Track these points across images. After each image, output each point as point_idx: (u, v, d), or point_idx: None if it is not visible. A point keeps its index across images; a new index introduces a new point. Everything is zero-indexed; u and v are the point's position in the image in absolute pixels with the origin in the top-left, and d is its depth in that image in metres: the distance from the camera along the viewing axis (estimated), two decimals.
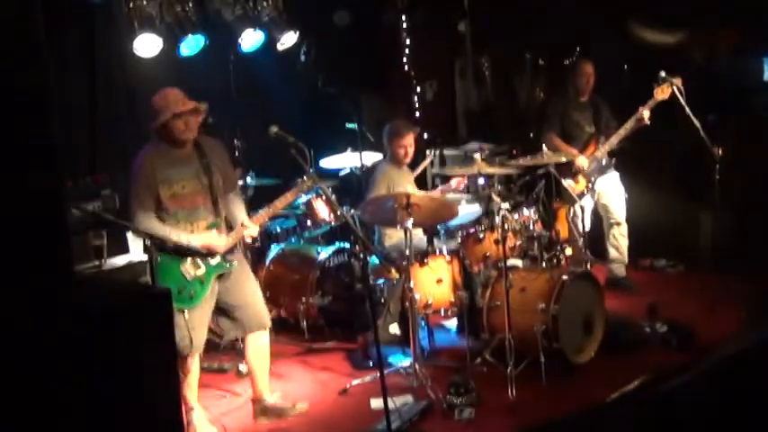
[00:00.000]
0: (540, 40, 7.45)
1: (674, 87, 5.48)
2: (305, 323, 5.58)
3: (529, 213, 5.32)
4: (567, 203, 5.89)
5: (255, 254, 5.81)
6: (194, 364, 4.29)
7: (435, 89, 8.07)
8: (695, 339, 4.92)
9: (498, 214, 4.83)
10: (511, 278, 4.71)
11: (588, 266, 5.49)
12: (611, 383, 4.00)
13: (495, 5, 7.53)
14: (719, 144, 5.42)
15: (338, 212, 5.20)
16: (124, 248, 5.00)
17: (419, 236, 5.53)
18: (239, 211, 4.48)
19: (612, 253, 6.15)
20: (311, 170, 4.41)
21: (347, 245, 5.81)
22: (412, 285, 4.71)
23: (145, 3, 5.28)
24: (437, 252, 5.14)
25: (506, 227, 4.85)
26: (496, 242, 4.97)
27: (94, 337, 2.21)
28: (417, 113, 7.83)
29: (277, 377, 4.93)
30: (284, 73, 6.38)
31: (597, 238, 6.16)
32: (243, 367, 5.01)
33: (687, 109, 5.39)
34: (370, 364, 4.98)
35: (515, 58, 7.83)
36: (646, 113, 5.63)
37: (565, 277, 4.77)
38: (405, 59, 7.79)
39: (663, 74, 5.55)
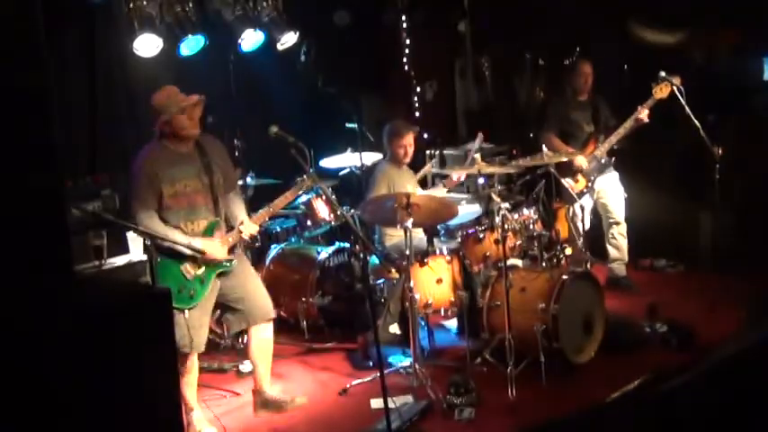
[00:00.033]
0: (540, 40, 7.45)
1: (674, 87, 5.48)
2: (305, 323, 5.58)
3: (529, 213, 5.32)
4: (567, 203, 5.89)
5: (255, 254, 5.81)
6: (194, 364, 4.30)
7: (435, 89, 8.07)
8: (695, 339, 4.92)
9: (498, 214, 4.83)
10: (511, 278, 4.71)
11: (588, 266, 5.49)
12: (611, 383, 4.02)
13: (495, 5, 7.53)
14: (719, 144, 5.42)
15: (338, 212, 5.20)
16: (124, 248, 4.99)
17: (419, 236, 5.54)
18: (239, 210, 4.49)
19: (612, 253, 6.14)
20: (311, 170, 4.42)
21: (347, 245, 5.80)
22: (412, 285, 4.71)
23: (145, 3, 5.28)
24: (437, 252, 5.13)
25: (506, 227, 4.85)
26: (496, 242, 4.97)
27: (94, 337, 2.21)
28: (417, 113, 7.83)
29: (277, 377, 4.93)
30: (284, 73, 6.37)
31: (597, 237, 6.16)
32: (243, 367, 5.02)
33: (687, 109, 5.39)
34: (370, 364, 4.98)
35: (515, 58, 7.83)
36: (644, 113, 5.64)
37: (565, 277, 4.77)
38: (405, 59, 7.79)
39: (662, 74, 5.55)
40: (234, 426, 4.43)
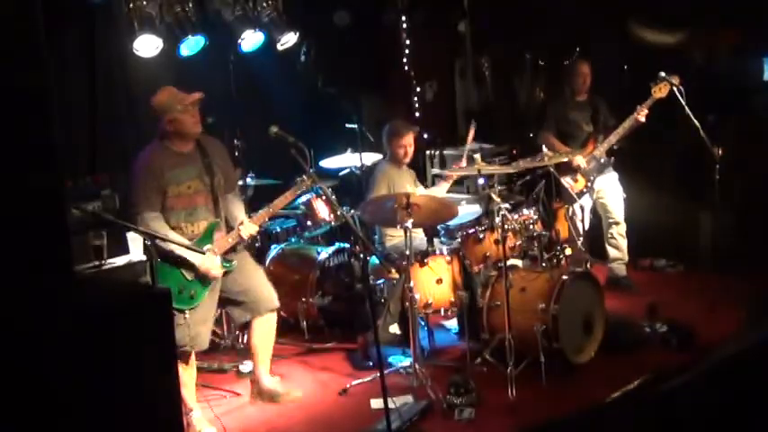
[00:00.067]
0: (540, 40, 7.44)
1: (673, 87, 5.47)
2: (305, 323, 5.58)
3: (529, 213, 5.32)
4: (567, 203, 5.89)
5: (255, 254, 5.80)
6: (192, 364, 4.30)
7: (435, 89, 8.06)
8: (695, 339, 4.92)
9: (498, 214, 4.83)
10: (511, 278, 4.71)
11: (588, 266, 5.49)
12: (611, 383, 4.04)
13: (495, 5, 7.52)
14: (719, 144, 5.42)
15: (338, 212, 5.20)
16: (124, 248, 4.99)
17: (419, 236, 5.54)
18: (238, 211, 4.50)
19: (612, 252, 6.15)
20: (311, 170, 4.42)
21: (347, 245, 5.80)
22: (412, 285, 4.71)
23: (145, 3, 5.28)
24: (437, 252, 5.13)
25: (506, 227, 4.85)
26: (496, 242, 4.97)
27: (94, 337, 2.22)
28: (417, 113, 7.83)
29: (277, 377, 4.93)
30: (284, 73, 6.37)
31: (597, 237, 6.16)
32: (243, 367, 5.02)
33: (687, 109, 5.39)
34: (370, 364, 4.98)
35: (515, 58, 7.82)
36: (643, 112, 5.63)
37: (565, 277, 4.77)
38: (405, 59, 7.79)
39: (662, 74, 5.55)
40: (234, 426, 4.43)
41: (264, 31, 5.90)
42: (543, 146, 5.37)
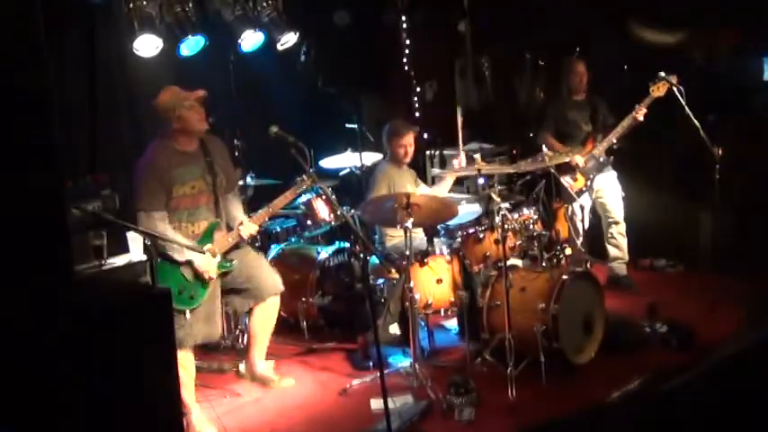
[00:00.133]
0: (540, 40, 7.44)
1: (673, 87, 5.47)
2: (305, 323, 5.58)
3: (529, 213, 5.32)
4: (567, 202, 5.89)
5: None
6: (189, 361, 4.30)
7: (435, 89, 8.06)
8: (695, 339, 4.92)
9: (498, 214, 4.83)
10: (511, 278, 4.71)
11: (588, 266, 5.49)
12: (611, 383, 4.04)
13: (495, 5, 7.52)
14: (719, 144, 5.42)
15: (338, 212, 5.20)
16: (124, 248, 4.99)
17: (419, 236, 5.53)
18: (237, 211, 4.52)
19: (613, 252, 6.15)
20: (311, 170, 4.43)
21: (347, 245, 5.80)
22: (412, 285, 4.71)
23: (145, 3, 5.28)
24: (437, 252, 5.14)
25: (506, 227, 4.85)
26: (496, 242, 4.97)
27: (94, 337, 2.22)
28: (417, 113, 7.83)
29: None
30: (284, 73, 6.37)
31: (597, 237, 6.16)
32: (243, 367, 5.02)
33: (687, 109, 5.39)
34: (370, 364, 4.98)
35: (515, 58, 7.82)
36: (641, 111, 5.63)
37: (565, 277, 4.77)
38: (405, 59, 7.79)
39: (662, 74, 5.55)
40: (234, 426, 4.43)
41: (264, 30, 5.90)
42: (543, 146, 5.37)
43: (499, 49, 7.89)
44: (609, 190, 6.06)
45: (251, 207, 5.01)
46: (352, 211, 5.54)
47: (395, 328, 5.19)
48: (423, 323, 5.23)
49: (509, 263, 4.87)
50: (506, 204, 5.04)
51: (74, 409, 2.16)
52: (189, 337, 4.22)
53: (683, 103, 5.40)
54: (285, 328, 5.55)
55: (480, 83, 8.13)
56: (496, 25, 7.63)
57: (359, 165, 5.59)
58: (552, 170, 5.45)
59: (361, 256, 5.16)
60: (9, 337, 2.07)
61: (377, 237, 5.59)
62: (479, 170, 5.06)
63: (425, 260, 5.02)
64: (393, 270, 5.09)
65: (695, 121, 5.36)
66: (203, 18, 5.68)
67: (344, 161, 6.10)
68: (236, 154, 5.79)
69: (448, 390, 4.38)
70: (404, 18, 7.75)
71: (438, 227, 5.46)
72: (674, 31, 6.55)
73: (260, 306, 4.55)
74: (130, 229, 4.27)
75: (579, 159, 5.86)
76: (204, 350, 4.94)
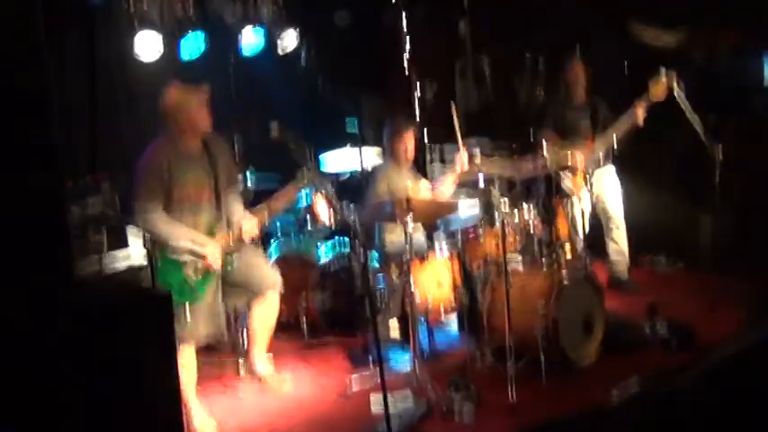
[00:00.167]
0: (540, 40, 7.44)
1: (674, 91, 5.46)
2: (305, 323, 5.58)
3: (529, 212, 5.31)
4: (566, 199, 5.89)
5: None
6: (191, 358, 4.30)
7: (435, 89, 8.06)
8: (695, 339, 4.92)
9: (498, 213, 4.83)
10: (511, 278, 4.71)
11: (588, 266, 5.49)
12: (611, 383, 4.04)
13: (495, 5, 7.52)
14: (719, 144, 5.42)
15: (338, 212, 5.21)
16: (124, 245, 5.00)
17: (419, 236, 5.53)
18: (238, 209, 4.52)
19: (613, 254, 6.15)
20: (309, 163, 4.44)
21: (347, 243, 5.80)
22: (412, 285, 4.71)
23: (145, 3, 5.29)
24: (437, 252, 5.13)
25: (506, 225, 4.85)
26: (496, 242, 4.97)
27: (94, 337, 2.22)
28: (417, 113, 7.82)
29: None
30: (284, 73, 6.38)
31: (597, 237, 6.16)
32: (243, 367, 5.02)
33: (687, 109, 5.39)
34: (370, 363, 4.97)
35: (515, 58, 7.82)
36: (639, 112, 5.63)
37: (565, 277, 4.77)
38: (405, 59, 7.78)
39: (663, 69, 5.55)
40: (234, 425, 4.43)
41: (264, 31, 5.91)
42: (543, 141, 5.36)
43: (499, 48, 7.89)
44: (609, 190, 6.06)
45: (251, 207, 5.00)
46: (352, 205, 5.54)
47: (395, 329, 5.19)
48: (423, 323, 5.23)
49: (509, 263, 4.86)
50: (506, 204, 5.04)
51: (74, 409, 2.16)
52: (190, 334, 4.22)
53: (686, 104, 5.40)
54: (285, 327, 5.55)
55: (480, 83, 8.13)
56: (496, 25, 7.63)
57: (359, 168, 5.59)
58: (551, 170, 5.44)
59: (361, 255, 5.16)
60: (9, 337, 2.07)
61: (376, 236, 5.59)
62: (479, 168, 5.07)
63: (425, 260, 5.02)
64: (393, 269, 5.09)
65: (698, 122, 5.36)
66: (203, 18, 5.69)
67: (344, 163, 6.09)
68: (236, 154, 5.79)
69: (448, 390, 4.38)
70: (404, 17, 7.75)
71: (438, 227, 5.46)
72: (674, 31, 6.54)
73: (259, 302, 4.56)
74: (131, 227, 4.27)
75: (579, 159, 5.86)
76: (204, 349, 4.93)
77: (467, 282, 5.12)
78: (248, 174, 5.79)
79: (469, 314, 4.95)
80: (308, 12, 6.45)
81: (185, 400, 4.26)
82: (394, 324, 5.19)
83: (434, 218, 5.21)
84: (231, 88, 5.90)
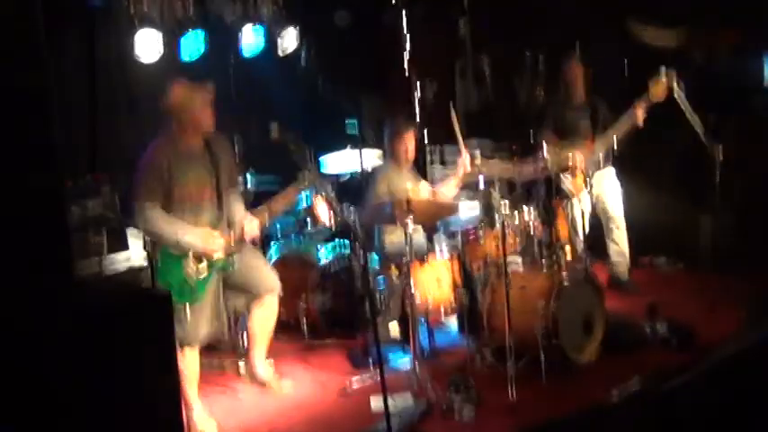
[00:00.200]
0: (540, 40, 7.44)
1: (674, 92, 5.46)
2: (305, 323, 5.58)
3: (529, 213, 5.31)
4: (566, 200, 5.89)
5: None
6: (194, 359, 4.31)
7: (435, 89, 8.06)
8: (695, 339, 4.92)
9: (498, 214, 4.83)
10: (511, 278, 4.71)
11: (588, 266, 5.49)
12: (611, 383, 4.04)
13: (495, 5, 7.52)
14: (719, 144, 5.42)
15: (338, 212, 5.20)
16: (124, 248, 5.00)
17: (419, 236, 5.53)
18: (239, 208, 4.51)
19: (614, 254, 6.15)
20: (310, 165, 4.43)
21: (347, 245, 5.80)
22: (412, 285, 4.71)
23: (145, 4, 5.29)
24: (437, 252, 5.13)
25: (506, 227, 4.85)
26: (496, 242, 4.97)
27: (94, 337, 2.22)
28: (417, 113, 7.82)
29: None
30: (284, 73, 6.38)
31: (597, 237, 6.15)
32: (243, 367, 5.02)
33: (687, 109, 5.39)
34: (370, 363, 4.97)
35: (515, 57, 7.82)
36: (639, 113, 5.63)
37: (565, 277, 4.77)
38: (405, 59, 7.78)
39: (663, 68, 5.55)
40: (234, 425, 4.43)
41: (264, 30, 5.91)
42: (543, 142, 5.37)
43: (499, 48, 7.89)
44: (609, 191, 6.06)
45: (251, 207, 5.00)
46: (352, 208, 5.54)
47: (395, 328, 5.19)
48: (423, 323, 5.23)
49: (509, 263, 4.87)
50: (506, 204, 5.04)
51: (74, 409, 2.16)
52: (192, 335, 4.22)
53: (686, 105, 5.40)
54: (285, 328, 5.55)
55: (480, 83, 8.13)
56: (496, 25, 7.63)
57: (359, 169, 5.59)
58: (551, 170, 5.44)
59: (361, 256, 5.16)
60: (9, 337, 2.07)
61: (376, 236, 5.59)
62: (479, 170, 5.07)
63: (425, 260, 5.02)
64: (393, 270, 5.09)
65: (698, 122, 5.36)
66: (203, 18, 5.69)
67: (344, 164, 6.09)
68: (236, 154, 5.78)
69: (448, 390, 4.38)
70: (404, 17, 7.75)
71: (438, 227, 5.46)
72: (674, 30, 6.54)
73: (258, 305, 4.55)
74: (131, 227, 4.27)
75: (579, 159, 5.86)
76: (204, 349, 4.93)
77: (467, 282, 5.12)
78: (248, 176, 5.79)
79: (469, 314, 4.95)
80: (308, 12, 6.45)
81: (187, 400, 4.27)
82: (394, 325, 5.19)
83: (435, 219, 5.21)
84: (231, 88, 5.90)
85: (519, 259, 5.39)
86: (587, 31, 6.80)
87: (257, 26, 5.82)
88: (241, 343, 5.30)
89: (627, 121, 5.70)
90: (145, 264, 4.83)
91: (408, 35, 7.66)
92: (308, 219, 5.85)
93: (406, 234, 4.64)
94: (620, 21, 6.70)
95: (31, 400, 2.08)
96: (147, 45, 5.34)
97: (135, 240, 4.97)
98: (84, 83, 5.70)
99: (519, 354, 4.54)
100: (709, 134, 5.44)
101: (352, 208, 5.38)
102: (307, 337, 5.57)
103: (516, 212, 5.20)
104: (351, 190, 6.08)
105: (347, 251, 5.78)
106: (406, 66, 7.76)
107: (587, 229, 5.77)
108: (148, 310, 2.43)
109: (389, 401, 3.77)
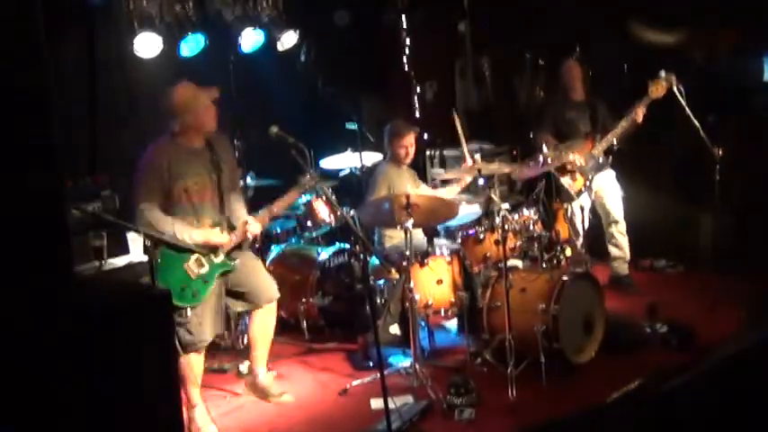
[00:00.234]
0: (540, 40, 7.44)
1: (674, 87, 5.46)
2: (305, 323, 5.58)
3: (529, 214, 5.31)
4: (566, 202, 5.90)
5: (255, 255, 5.80)
6: (198, 362, 4.31)
7: (435, 89, 8.07)
8: (695, 339, 4.92)
9: (498, 214, 4.83)
10: (511, 278, 4.71)
11: (588, 266, 5.49)
12: (611, 383, 4.02)
13: (495, 5, 7.52)
14: (719, 144, 5.42)
15: (338, 213, 5.20)
16: (124, 249, 5.00)
17: (419, 236, 5.53)
18: (241, 209, 4.51)
19: (614, 251, 6.15)
20: (312, 170, 4.43)
21: (347, 245, 5.80)
22: (412, 285, 4.71)
23: (145, 3, 5.29)
24: (437, 252, 5.14)
25: (506, 227, 4.85)
26: (496, 242, 4.97)
27: (94, 337, 2.21)
28: (417, 113, 7.83)
29: (277, 377, 4.93)
30: (284, 73, 6.37)
31: (597, 237, 6.16)
32: (243, 367, 5.02)
33: (687, 110, 5.39)
34: (371, 364, 4.98)
35: (515, 58, 7.82)
36: (640, 112, 5.63)
37: (565, 277, 4.77)
38: (405, 59, 7.79)
39: (662, 73, 5.55)
40: (234, 425, 4.43)
41: (264, 30, 5.90)
42: (543, 146, 5.37)
43: (499, 49, 7.89)
44: (608, 190, 6.06)
45: (251, 207, 5.01)
46: (352, 211, 5.54)
47: (395, 329, 5.19)
48: (423, 323, 5.23)
49: (509, 263, 4.87)
50: (506, 205, 5.05)
51: (74, 409, 2.15)
52: (198, 340, 4.22)
53: (684, 103, 5.40)
54: (285, 328, 5.56)
55: (480, 83, 8.13)
56: (496, 25, 7.63)
57: (359, 165, 5.59)
58: (552, 170, 5.45)
59: (362, 256, 5.16)
60: (9, 337, 2.07)
61: (376, 237, 5.59)
62: (479, 170, 5.08)
63: (425, 260, 5.03)
64: (393, 270, 5.09)
65: (695, 121, 5.37)
66: (203, 18, 5.69)
67: (344, 162, 6.09)
68: (236, 154, 5.78)
69: (448, 390, 4.38)
70: (404, 18, 7.76)
71: (438, 227, 5.46)
72: (674, 31, 6.54)
73: (257, 314, 4.52)
74: (131, 229, 4.26)
75: (579, 159, 5.86)
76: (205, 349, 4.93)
77: (467, 282, 5.12)
78: (249, 178, 5.79)
79: (469, 314, 4.95)
80: (308, 12, 6.44)
81: (191, 399, 4.27)
82: (394, 325, 5.19)
83: (434, 219, 5.20)
84: (231, 86, 5.89)
85: (519, 263, 5.40)
86: (587, 31, 6.80)
87: (257, 29, 5.82)
88: (240, 343, 5.31)
89: (627, 122, 5.70)
90: (144, 259, 4.83)
91: (408, 37, 7.67)
92: (309, 221, 5.84)
93: (406, 234, 4.64)
94: (620, 21, 6.70)
95: (31, 400, 2.08)
96: (147, 49, 5.34)
97: (135, 243, 4.97)
98: (84, 83, 5.70)
99: (519, 353, 4.54)
100: (709, 134, 5.44)
101: (352, 212, 5.39)
102: (307, 337, 5.57)
103: (516, 214, 5.21)
104: (350, 188, 6.08)
105: (346, 246, 5.78)
106: (406, 66, 7.76)
107: (587, 226, 5.77)
108: (148, 309, 2.43)
109: (389, 403, 3.77)
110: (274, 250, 5.88)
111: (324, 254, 5.74)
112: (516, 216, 5.20)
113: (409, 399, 4.48)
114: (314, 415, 4.51)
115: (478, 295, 5.07)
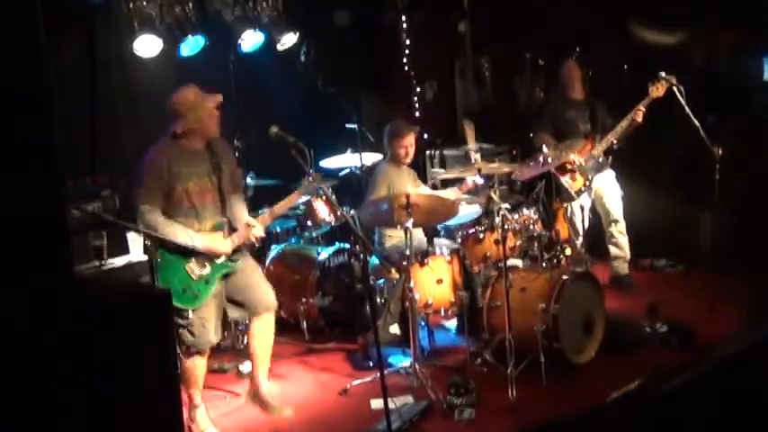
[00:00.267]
0: (540, 40, 7.45)
1: (674, 87, 5.47)
2: (305, 324, 5.58)
3: (529, 213, 5.32)
4: (566, 202, 5.90)
5: (255, 255, 5.80)
6: (201, 364, 4.30)
7: (435, 89, 8.07)
8: (695, 339, 4.92)
9: (498, 214, 4.83)
10: (511, 278, 4.71)
11: (588, 266, 5.49)
12: (611, 383, 4.02)
13: (495, 5, 7.53)
14: (719, 144, 5.42)
15: (338, 213, 5.20)
16: (124, 249, 5.01)
17: (419, 236, 5.53)
18: (242, 211, 4.50)
19: (614, 251, 6.15)
20: (312, 170, 4.43)
21: (347, 245, 5.80)
22: (412, 285, 4.71)
23: (145, 3, 5.29)
24: (437, 252, 5.14)
25: (506, 227, 4.85)
26: (496, 242, 4.97)
27: (94, 337, 2.22)
28: (417, 113, 7.83)
29: (277, 377, 4.94)
30: (284, 73, 6.38)
31: (597, 237, 6.16)
32: (243, 368, 5.02)
33: (687, 109, 5.39)
34: (371, 364, 4.98)
35: (515, 58, 7.83)
36: (640, 112, 5.63)
37: (565, 277, 4.77)
38: (405, 59, 7.79)
39: (662, 74, 5.56)
40: (234, 426, 4.43)
41: (264, 31, 5.90)
42: (543, 146, 5.37)
43: (499, 49, 7.89)
44: (608, 189, 6.07)
45: (251, 207, 5.01)
46: (352, 211, 5.54)
47: (395, 329, 5.19)
48: (423, 323, 5.23)
49: (509, 263, 4.87)
50: (506, 204, 5.04)
51: (74, 409, 2.16)
52: (203, 342, 4.21)
53: (684, 103, 5.40)
54: (285, 328, 5.56)
55: (480, 83, 8.14)
56: (496, 25, 7.64)
57: (359, 165, 5.58)
58: (552, 170, 5.45)
59: (361, 256, 5.16)
60: (9, 337, 2.07)
61: (376, 237, 5.59)
62: (479, 170, 5.08)
63: (425, 260, 5.02)
64: (393, 270, 5.09)
65: (695, 121, 5.37)
66: (203, 18, 5.69)
67: (344, 161, 6.10)
68: (236, 154, 5.79)
69: (448, 390, 4.38)
70: (404, 18, 7.76)
71: (438, 227, 5.45)
72: (674, 31, 6.54)
73: (256, 323, 4.48)
74: (131, 229, 4.25)
75: (578, 159, 5.86)
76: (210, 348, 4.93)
77: (467, 281, 5.13)
78: (249, 178, 5.79)
79: (469, 314, 4.95)
80: (308, 12, 6.44)
81: (193, 399, 4.27)
82: (394, 325, 5.19)
83: (434, 219, 5.20)
84: (231, 86, 5.89)
85: (519, 262, 5.40)
86: (587, 31, 6.80)
87: (257, 31, 5.82)
88: (240, 343, 5.31)
89: (627, 123, 5.70)
90: (143, 258, 4.83)
91: (408, 37, 7.67)
92: (309, 221, 5.84)
93: (406, 234, 4.64)
94: (620, 21, 6.70)
95: (31, 400, 2.08)
96: (147, 49, 5.34)
97: (135, 244, 4.97)
98: (84, 83, 5.70)
99: (519, 354, 4.54)
100: (709, 134, 5.44)
101: (353, 212, 5.39)
102: (307, 337, 5.57)
103: (516, 214, 5.21)
104: (351, 189, 6.08)
105: (346, 246, 5.78)
106: (406, 66, 7.77)
107: (587, 225, 5.77)
108: (148, 309, 2.43)
109: (389, 403, 3.77)
110: (274, 250, 5.88)
111: (324, 253, 5.74)
112: (516, 216, 5.21)
113: (409, 399, 4.48)
114: (314, 415, 4.51)
115: (478, 295, 5.07)
